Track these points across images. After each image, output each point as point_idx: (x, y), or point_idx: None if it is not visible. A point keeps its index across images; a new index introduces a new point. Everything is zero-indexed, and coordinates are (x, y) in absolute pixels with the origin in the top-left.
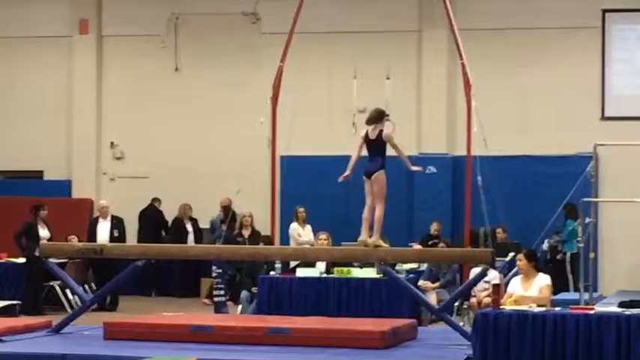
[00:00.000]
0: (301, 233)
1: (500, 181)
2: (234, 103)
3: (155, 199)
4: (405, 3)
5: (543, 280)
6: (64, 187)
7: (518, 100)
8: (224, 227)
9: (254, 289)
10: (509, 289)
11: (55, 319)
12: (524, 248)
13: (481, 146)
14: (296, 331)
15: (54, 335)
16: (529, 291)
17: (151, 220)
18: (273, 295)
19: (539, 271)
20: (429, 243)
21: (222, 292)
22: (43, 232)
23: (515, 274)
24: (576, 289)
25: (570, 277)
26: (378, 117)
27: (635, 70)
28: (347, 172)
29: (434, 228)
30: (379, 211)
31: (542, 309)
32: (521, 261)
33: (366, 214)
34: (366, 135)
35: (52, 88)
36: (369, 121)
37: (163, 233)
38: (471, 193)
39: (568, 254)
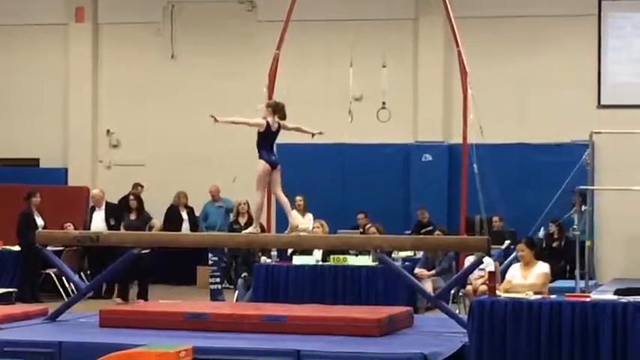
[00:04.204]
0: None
1: (497, 169)
2: (230, 90)
3: (136, 185)
4: None
5: (542, 268)
6: (60, 174)
7: (514, 87)
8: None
9: (250, 277)
10: (507, 276)
11: (52, 307)
12: (523, 237)
13: (477, 134)
14: (292, 319)
15: (50, 323)
16: (528, 279)
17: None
18: (269, 282)
19: (538, 259)
20: (422, 231)
21: (217, 280)
22: (38, 220)
23: (513, 262)
24: (571, 277)
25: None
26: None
27: (631, 58)
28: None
29: (422, 215)
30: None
31: (539, 296)
32: (524, 251)
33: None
34: (269, 125)
35: (47, 76)
36: (283, 116)
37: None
38: (467, 181)
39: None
